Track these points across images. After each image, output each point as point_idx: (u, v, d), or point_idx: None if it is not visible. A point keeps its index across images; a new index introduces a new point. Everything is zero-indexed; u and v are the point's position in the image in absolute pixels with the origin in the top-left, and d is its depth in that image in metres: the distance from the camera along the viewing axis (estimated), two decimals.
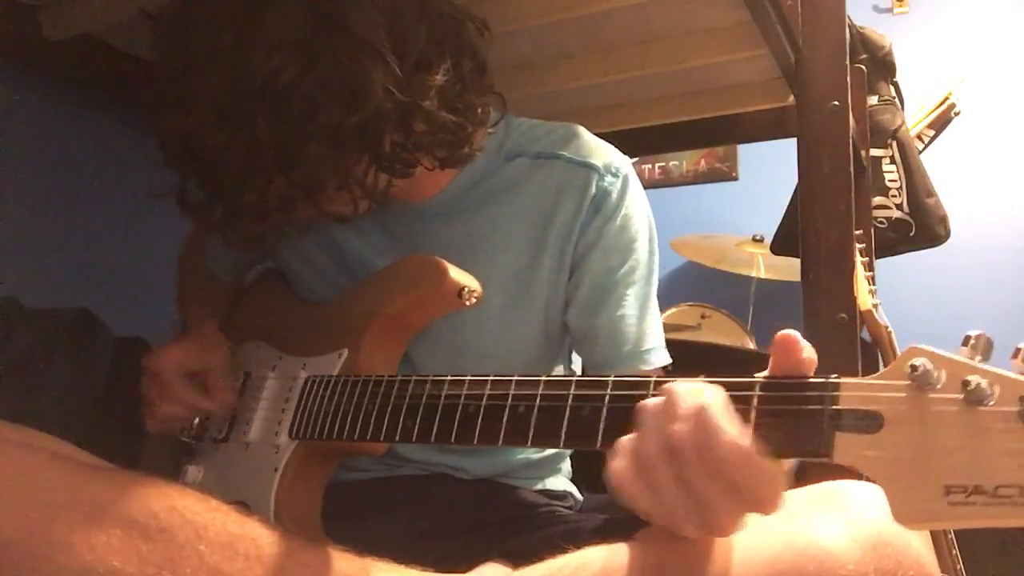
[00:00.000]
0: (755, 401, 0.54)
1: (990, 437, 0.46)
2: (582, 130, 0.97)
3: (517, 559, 0.71)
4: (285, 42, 0.70)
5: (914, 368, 0.48)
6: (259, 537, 0.60)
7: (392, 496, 0.92)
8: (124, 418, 1.04)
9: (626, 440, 0.56)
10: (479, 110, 0.85)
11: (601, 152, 0.93)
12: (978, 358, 0.50)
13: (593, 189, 0.90)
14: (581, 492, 1.05)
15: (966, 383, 0.46)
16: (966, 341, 0.52)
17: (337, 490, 0.85)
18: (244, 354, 0.94)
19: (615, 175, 0.91)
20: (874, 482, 0.49)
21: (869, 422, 0.50)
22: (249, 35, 0.71)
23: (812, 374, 0.55)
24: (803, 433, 0.51)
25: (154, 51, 0.77)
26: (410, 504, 0.90)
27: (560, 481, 1.03)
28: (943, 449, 0.47)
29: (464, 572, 0.72)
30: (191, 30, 0.73)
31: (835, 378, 0.53)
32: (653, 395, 0.58)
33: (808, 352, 0.55)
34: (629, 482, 0.54)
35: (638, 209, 0.93)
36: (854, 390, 0.51)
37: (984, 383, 0.46)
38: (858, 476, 0.62)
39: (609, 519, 0.86)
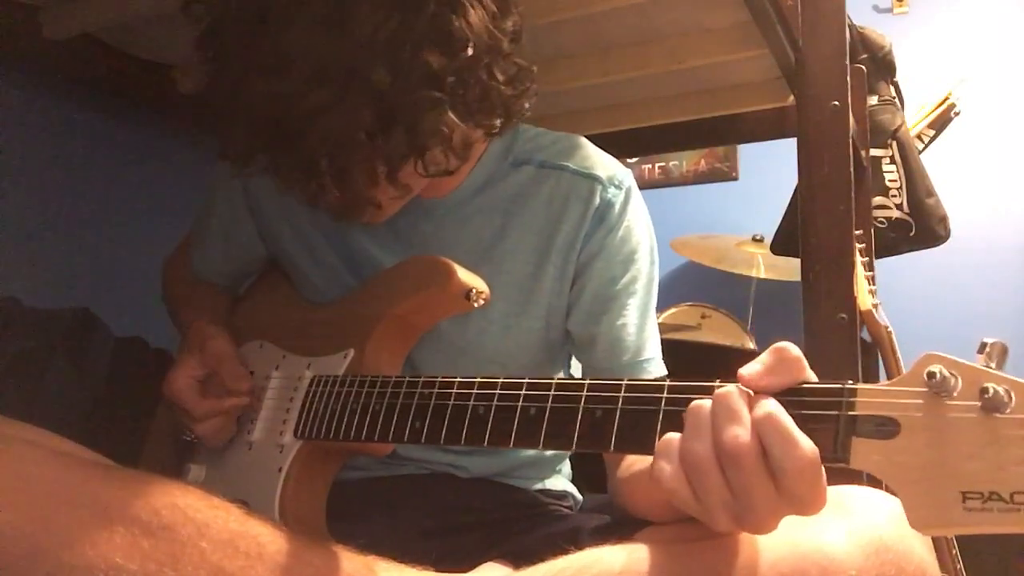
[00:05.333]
0: None
1: (1007, 444, 0.46)
2: (586, 141, 0.98)
3: (518, 559, 0.71)
4: None
5: (931, 375, 0.48)
6: (261, 535, 0.60)
7: (392, 495, 0.92)
8: (124, 418, 1.04)
9: (672, 441, 0.56)
10: (532, 67, 0.86)
11: (604, 164, 0.95)
12: (992, 365, 0.50)
13: (597, 200, 0.91)
14: (581, 492, 1.05)
15: (984, 390, 0.47)
16: (981, 348, 0.52)
17: (336, 489, 0.85)
18: (246, 354, 0.94)
19: (618, 187, 0.93)
20: (890, 487, 0.50)
21: (886, 428, 0.50)
22: None
23: (810, 373, 0.56)
24: (820, 438, 0.52)
25: (223, 21, 0.74)
26: (410, 503, 0.91)
27: (560, 481, 1.03)
28: (960, 455, 0.47)
29: (465, 571, 0.72)
30: None
31: (851, 384, 0.53)
32: (695, 397, 0.58)
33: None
34: (678, 483, 0.55)
35: (640, 221, 0.94)
36: (871, 396, 0.52)
37: (1001, 390, 0.46)
38: (861, 481, 0.62)
39: (609, 520, 0.86)
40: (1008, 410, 0.46)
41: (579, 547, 0.67)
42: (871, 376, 1.75)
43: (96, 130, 1.66)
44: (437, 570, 0.68)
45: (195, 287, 1.09)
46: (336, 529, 0.80)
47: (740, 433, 0.52)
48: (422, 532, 0.87)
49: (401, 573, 0.66)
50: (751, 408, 0.54)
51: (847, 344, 1.22)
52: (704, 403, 0.55)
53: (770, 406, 0.53)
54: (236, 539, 0.58)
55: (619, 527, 0.77)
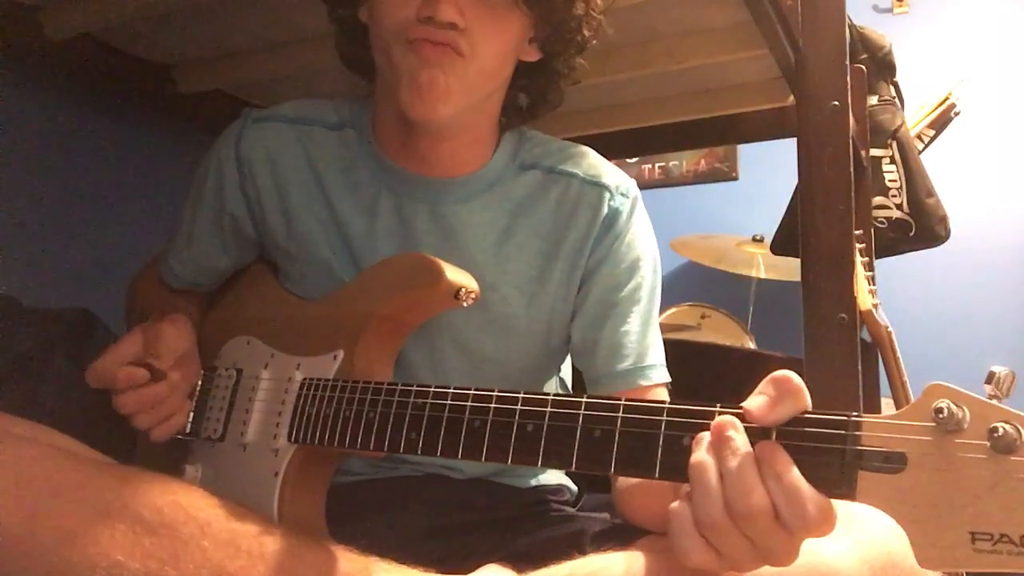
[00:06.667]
0: (774, 436, 0.54)
1: (1018, 486, 0.46)
2: (591, 151, 0.99)
3: (521, 561, 0.71)
4: None
5: (939, 411, 0.48)
6: (262, 535, 0.60)
7: (387, 497, 0.91)
8: (124, 418, 1.04)
9: (683, 512, 0.54)
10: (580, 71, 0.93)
11: (612, 174, 0.96)
12: (1000, 394, 0.50)
13: (606, 208, 0.92)
14: (582, 491, 1.05)
15: (993, 430, 0.46)
16: (990, 378, 0.52)
17: (330, 494, 0.84)
18: (233, 349, 0.92)
19: (625, 196, 0.94)
20: (898, 523, 0.49)
21: (892, 463, 0.50)
22: None
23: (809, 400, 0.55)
24: (827, 471, 0.51)
25: None
26: (407, 504, 0.90)
27: (554, 475, 1.03)
28: (969, 495, 0.47)
29: (465, 573, 0.72)
30: None
31: (856, 416, 0.52)
32: (697, 423, 0.56)
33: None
34: (697, 550, 0.53)
35: (645, 230, 0.95)
36: (876, 430, 0.51)
37: (1011, 430, 0.46)
38: None
39: (611, 523, 0.86)
40: (1018, 452, 0.46)
41: (582, 552, 0.67)
42: (871, 376, 1.75)
43: (96, 130, 1.66)
44: (437, 571, 0.68)
45: (168, 295, 1.03)
46: (333, 533, 0.80)
47: (752, 495, 0.51)
48: (423, 533, 0.87)
49: (403, 574, 0.66)
50: (754, 448, 0.53)
51: (847, 344, 1.22)
52: (708, 462, 0.53)
53: (780, 467, 0.52)
54: (238, 538, 0.59)
55: (622, 531, 0.77)
